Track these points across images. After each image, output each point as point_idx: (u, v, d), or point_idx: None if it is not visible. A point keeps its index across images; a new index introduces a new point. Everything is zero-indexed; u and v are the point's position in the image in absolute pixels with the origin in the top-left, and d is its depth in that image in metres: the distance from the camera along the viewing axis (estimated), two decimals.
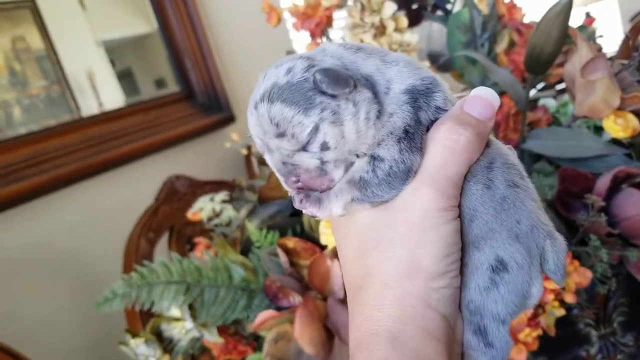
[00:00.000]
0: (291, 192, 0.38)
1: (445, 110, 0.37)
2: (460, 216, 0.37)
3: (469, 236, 0.37)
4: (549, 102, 1.00)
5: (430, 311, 0.35)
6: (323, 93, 0.35)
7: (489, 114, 0.37)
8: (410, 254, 0.35)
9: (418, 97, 0.36)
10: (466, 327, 0.37)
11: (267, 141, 0.37)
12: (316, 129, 0.35)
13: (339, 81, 0.34)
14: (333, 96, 0.35)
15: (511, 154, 0.39)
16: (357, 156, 0.37)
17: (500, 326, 0.36)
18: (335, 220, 0.40)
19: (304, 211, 0.38)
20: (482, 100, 0.37)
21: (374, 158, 0.36)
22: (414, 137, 0.36)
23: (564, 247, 0.38)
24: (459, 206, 0.37)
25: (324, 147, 0.35)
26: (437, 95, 0.37)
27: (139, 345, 0.83)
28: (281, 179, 0.38)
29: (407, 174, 0.35)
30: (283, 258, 0.80)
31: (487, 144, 0.38)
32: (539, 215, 0.38)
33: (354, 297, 0.38)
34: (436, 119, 0.37)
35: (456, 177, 0.36)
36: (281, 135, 0.35)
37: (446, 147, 0.36)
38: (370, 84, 0.37)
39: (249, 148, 1.12)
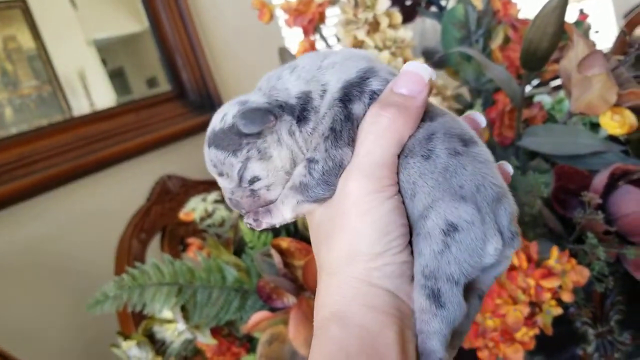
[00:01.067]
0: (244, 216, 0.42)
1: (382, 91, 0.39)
2: (401, 192, 0.37)
3: (415, 210, 0.37)
4: (545, 99, 0.99)
5: (373, 288, 0.36)
6: (248, 135, 0.39)
7: (419, 87, 0.37)
8: (349, 240, 0.36)
9: (351, 90, 0.38)
10: (420, 292, 0.36)
11: (216, 179, 0.42)
12: (244, 167, 0.39)
13: (255, 121, 0.38)
14: (258, 134, 0.39)
15: (460, 125, 0.39)
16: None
17: (454, 287, 0.36)
18: (308, 222, 0.42)
19: (261, 227, 0.41)
20: (411, 75, 0.37)
21: (309, 161, 0.38)
22: (340, 133, 0.37)
23: (514, 206, 0.38)
24: (399, 183, 0.37)
25: (254, 180, 0.40)
26: (372, 81, 0.39)
27: (131, 347, 0.81)
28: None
29: (339, 169, 0.37)
30: (277, 258, 0.79)
31: (433, 118, 0.38)
32: (486, 175, 0.37)
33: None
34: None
35: (382, 159, 0.36)
36: (220, 174, 0.41)
37: (369, 132, 0.37)
38: (303, 99, 0.40)
39: None
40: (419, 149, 0.37)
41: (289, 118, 0.40)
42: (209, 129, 0.41)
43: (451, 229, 0.35)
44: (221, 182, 0.42)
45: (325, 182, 0.38)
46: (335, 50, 0.43)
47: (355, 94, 0.38)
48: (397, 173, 0.37)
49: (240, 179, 0.40)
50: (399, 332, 0.35)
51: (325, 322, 0.36)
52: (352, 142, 0.38)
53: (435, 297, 0.36)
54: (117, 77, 1.57)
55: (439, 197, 0.36)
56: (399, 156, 0.37)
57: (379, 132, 0.36)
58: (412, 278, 0.37)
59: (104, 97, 1.50)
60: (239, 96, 0.43)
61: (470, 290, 0.39)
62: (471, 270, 0.36)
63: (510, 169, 0.42)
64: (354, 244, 0.36)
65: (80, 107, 1.42)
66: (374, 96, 0.38)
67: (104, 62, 1.54)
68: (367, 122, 0.37)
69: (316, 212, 0.40)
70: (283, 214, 0.40)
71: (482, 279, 0.39)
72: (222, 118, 0.41)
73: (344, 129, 0.38)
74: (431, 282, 0.36)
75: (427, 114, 0.38)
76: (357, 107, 0.38)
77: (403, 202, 0.37)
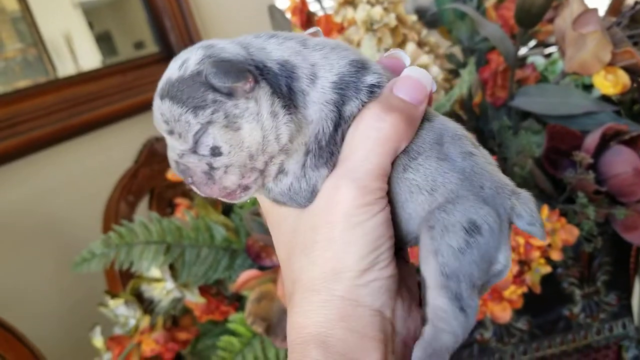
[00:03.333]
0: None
1: (381, 88, 0.35)
2: (400, 192, 0.35)
3: (432, 204, 0.35)
4: (538, 60, 0.98)
5: (359, 309, 0.33)
6: (216, 90, 0.32)
7: (421, 97, 0.35)
8: (334, 255, 0.33)
9: (346, 89, 0.34)
10: (440, 293, 0.34)
11: (164, 136, 0.34)
12: (204, 131, 0.32)
13: (230, 73, 0.31)
14: (229, 94, 0.32)
15: (458, 126, 0.38)
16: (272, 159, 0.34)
17: (474, 291, 0.34)
18: (269, 221, 0.38)
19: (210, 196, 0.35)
20: (414, 82, 0.35)
21: (280, 171, 0.34)
22: (324, 148, 0.34)
23: (530, 198, 0.37)
24: (405, 182, 0.35)
25: (215, 152, 0.33)
26: (367, 75, 0.35)
27: (118, 306, 0.81)
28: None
29: (310, 193, 0.34)
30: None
31: (428, 119, 0.36)
32: (500, 177, 0.37)
33: (288, 302, 0.36)
34: (369, 101, 0.35)
35: (379, 169, 0.33)
36: (171, 132, 0.33)
37: (368, 137, 0.33)
38: (287, 71, 0.34)
39: None
40: (431, 152, 0.35)
41: (268, 89, 0.33)
42: (163, 78, 0.34)
43: (474, 229, 0.34)
44: (170, 141, 0.34)
45: (290, 199, 0.35)
46: (314, 38, 0.37)
47: (351, 93, 0.34)
48: (400, 174, 0.35)
49: (196, 143, 0.33)
50: (382, 358, 0.33)
51: (305, 345, 0.33)
52: (331, 158, 0.34)
53: (458, 300, 0.34)
54: (104, 41, 1.54)
55: (464, 195, 0.35)
56: (399, 157, 0.35)
57: (380, 138, 0.33)
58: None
59: (90, 60, 1.47)
60: (202, 41, 0.36)
61: None
62: (483, 276, 0.35)
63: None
64: (341, 259, 0.33)
65: (65, 70, 1.39)
66: (373, 90, 0.35)
67: (91, 25, 1.50)
68: (367, 125, 0.34)
69: (288, 216, 0.36)
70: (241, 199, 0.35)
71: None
72: (181, 64, 0.33)
73: (329, 144, 0.34)
74: (453, 283, 0.33)
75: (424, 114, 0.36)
76: (350, 107, 0.34)
77: (394, 209, 0.35)
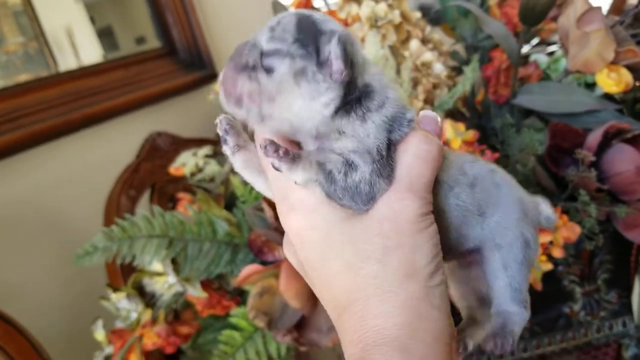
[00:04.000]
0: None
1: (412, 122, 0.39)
2: (446, 216, 0.41)
3: (477, 228, 0.42)
4: (541, 58, 0.98)
5: (435, 311, 0.36)
6: (319, 55, 0.36)
7: (439, 130, 0.42)
8: (406, 258, 0.36)
9: (396, 120, 0.39)
10: (512, 301, 0.42)
11: (242, 50, 0.37)
12: (281, 54, 0.36)
13: (344, 59, 0.36)
14: (322, 65, 0.36)
15: (468, 154, 0.45)
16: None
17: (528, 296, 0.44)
18: (304, 239, 0.38)
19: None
20: (432, 120, 0.42)
21: (348, 164, 0.37)
22: (385, 161, 0.38)
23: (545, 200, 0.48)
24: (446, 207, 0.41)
25: (269, 70, 0.36)
26: (409, 114, 0.39)
27: (120, 299, 0.81)
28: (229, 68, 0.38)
29: (370, 199, 0.37)
30: (269, 212, 0.79)
31: (445, 156, 0.42)
32: (530, 201, 0.46)
33: (343, 312, 0.37)
34: (408, 132, 0.39)
35: (429, 184, 0.38)
36: (271, 30, 0.36)
37: (420, 157, 0.38)
38: (367, 92, 0.38)
39: None
40: (462, 181, 0.41)
41: (342, 91, 0.37)
42: (310, 10, 0.39)
43: (527, 244, 0.42)
44: (262, 32, 0.37)
45: (351, 196, 0.36)
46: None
47: (397, 127, 0.39)
48: (441, 199, 0.40)
49: (267, 52, 0.36)
50: None
51: (383, 348, 0.34)
52: (392, 173, 0.38)
53: (524, 303, 0.43)
54: (106, 36, 1.53)
55: (519, 217, 0.43)
56: (439, 184, 0.40)
57: (429, 159, 0.38)
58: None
59: (92, 55, 1.46)
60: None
61: None
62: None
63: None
64: (413, 262, 0.36)
65: (67, 65, 1.39)
66: (410, 124, 0.39)
67: (92, 20, 1.50)
68: (418, 148, 0.38)
69: (338, 231, 0.37)
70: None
71: None
72: (325, 18, 0.38)
73: (388, 159, 0.38)
74: (520, 294, 0.42)
75: None
76: (395, 135, 0.39)
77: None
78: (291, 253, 0.42)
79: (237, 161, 0.42)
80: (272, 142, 0.35)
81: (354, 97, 0.37)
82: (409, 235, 0.36)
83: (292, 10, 0.37)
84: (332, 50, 0.36)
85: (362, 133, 0.37)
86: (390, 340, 0.34)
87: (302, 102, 0.36)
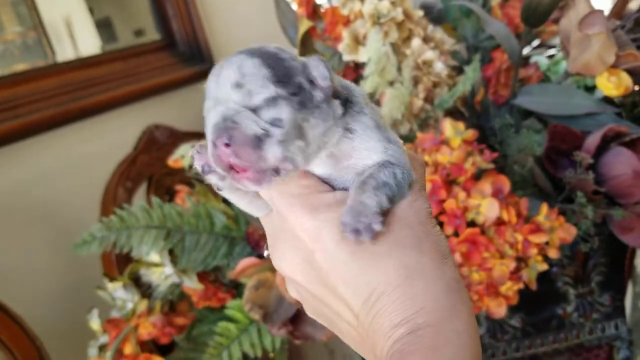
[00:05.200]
0: (219, 159, 0.35)
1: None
2: None
3: None
4: (541, 60, 0.99)
5: (466, 292, 0.38)
6: (311, 82, 0.35)
7: None
8: (437, 246, 0.38)
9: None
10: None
11: (219, 91, 0.35)
12: (274, 101, 0.34)
13: (333, 76, 0.36)
14: (314, 89, 0.36)
15: None
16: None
17: None
18: (325, 238, 0.38)
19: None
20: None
21: (383, 165, 0.38)
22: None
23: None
24: None
25: (276, 123, 0.34)
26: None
27: (117, 289, 0.81)
28: (209, 140, 0.35)
29: (410, 184, 0.39)
30: None
31: None
32: None
33: (378, 300, 0.36)
34: None
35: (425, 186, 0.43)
36: (238, 86, 0.34)
37: (418, 162, 0.42)
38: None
39: None
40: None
41: (341, 107, 0.38)
42: (260, 47, 0.36)
43: None
44: (230, 93, 0.34)
45: (391, 200, 0.38)
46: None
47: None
48: None
49: (260, 107, 0.34)
50: None
51: (436, 329, 0.35)
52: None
53: None
54: (104, 27, 1.52)
55: None
56: None
57: (422, 162, 0.44)
58: None
59: (90, 46, 1.46)
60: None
61: None
62: None
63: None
64: (441, 248, 0.38)
65: (64, 55, 1.38)
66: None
67: (91, 10, 1.49)
68: (411, 153, 0.43)
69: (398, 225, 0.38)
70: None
71: None
72: (284, 50, 0.36)
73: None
74: None
75: None
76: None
77: None
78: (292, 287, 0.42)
79: (225, 187, 0.40)
80: (351, 222, 0.35)
81: (343, 98, 0.38)
82: (432, 226, 0.39)
83: (234, 56, 0.35)
84: (316, 74, 0.36)
85: (368, 123, 0.38)
86: (441, 320, 0.35)
87: (322, 128, 0.36)
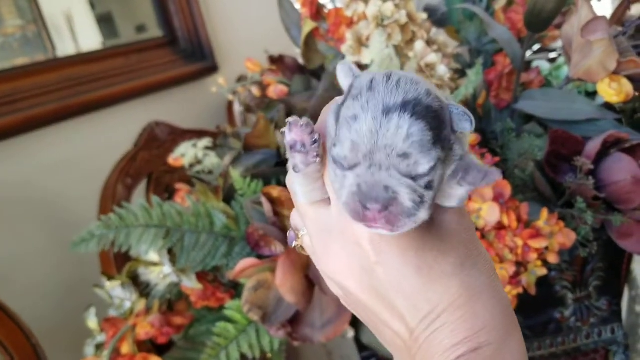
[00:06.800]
0: (365, 218, 0.33)
1: None
2: None
3: None
4: (543, 65, 0.99)
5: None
6: (452, 129, 0.33)
7: None
8: (488, 261, 0.38)
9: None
10: None
11: (380, 156, 0.32)
12: (435, 167, 0.32)
13: (470, 121, 0.33)
14: (453, 132, 0.33)
15: None
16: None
17: None
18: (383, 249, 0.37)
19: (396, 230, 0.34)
20: None
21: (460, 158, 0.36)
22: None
23: None
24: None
25: (429, 186, 0.32)
26: None
27: (114, 288, 0.81)
28: (356, 203, 0.33)
29: None
30: (267, 207, 0.79)
31: None
32: None
33: (437, 318, 0.36)
34: None
35: None
36: (406, 156, 0.31)
37: None
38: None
39: (234, 93, 1.08)
40: None
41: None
42: (408, 95, 0.32)
43: None
44: (395, 162, 0.32)
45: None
46: None
47: None
48: None
49: (419, 176, 0.32)
50: None
51: (496, 346, 0.35)
52: None
53: None
54: (105, 22, 1.52)
55: None
56: None
57: None
58: None
59: (90, 41, 1.45)
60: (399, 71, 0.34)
61: None
62: None
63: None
64: (491, 263, 0.38)
65: (65, 50, 1.38)
66: None
67: (92, 5, 1.49)
68: None
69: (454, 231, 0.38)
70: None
71: None
72: (428, 93, 0.32)
73: None
74: None
75: None
76: None
77: None
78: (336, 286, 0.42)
79: (305, 171, 0.38)
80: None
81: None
82: (480, 244, 0.38)
83: (395, 111, 0.31)
84: (460, 127, 0.33)
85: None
86: (500, 339, 0.35)
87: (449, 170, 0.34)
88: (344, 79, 0.37)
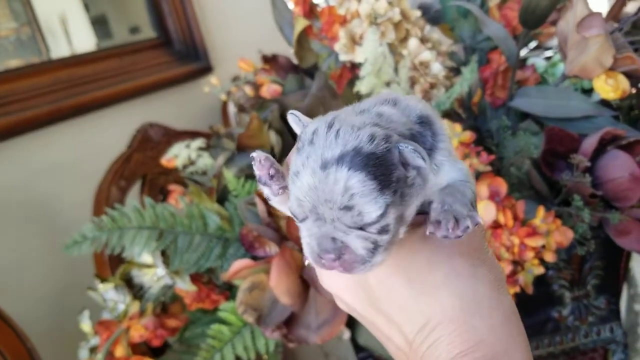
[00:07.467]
0: (324, 266, 0.34)
1: None
2: None
3: None
4: (538, 62, 0.98)
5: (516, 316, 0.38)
6: (402, 167, 0.32)
7: None
8: (492, 270, 0.37)
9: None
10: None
11: (323, 210, 0.32)
12: (385, 213, 0.31)
13: (422, 153, 0.32)
14: (408, 171, 0.33)
15: None
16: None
17: None
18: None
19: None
20: None
21: (461, 181, 0.36)
22: None
23: None
24: None
25: (384, 230, 0.32)
26: None
27: (108, 290, 0.80)
28: (312, 253, 0.34)
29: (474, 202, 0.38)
30: (261, 207, 0.78)
31: None
32: None
33: (433, 331, 0.36)
34: None
35: None
36: (348, 208, 0.31)
37: (473, 184, 0.40)
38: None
39: (228, 94, 1.07)
40: None
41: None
42: (347, 146, 0.31)
43: None
44: (338, 215, 0.31)
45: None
46: None
47: None
48: None
49: (367, 224, 0.32)
50: None
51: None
52: None
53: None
54: (99, 24, 1.51)
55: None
56: None
57: None
58: None
59: (85, 43, 1.45)
60: (355, 108, 0.35)
61: None
62: None
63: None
64: (497, 273, 0.38)
65: (59, 52, 1.37)
66: None
67: (86, 7, 1.48)
68: None
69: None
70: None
71: None
72: (371, 138, 0.31)
73: None
74: None
75: None
76: None
77: None
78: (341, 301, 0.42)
79: (276, 200, 0.39)
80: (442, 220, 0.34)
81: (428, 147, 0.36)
82: (486, 253, 0.37)
83: (333, 165, 0.31)
84: (412, 162, 0.32)
85: (448, 149, 0.37)
86: (499, 352, 0.34)
87: (418, 197, 0.34)
88: (295, 128, 0.37)
